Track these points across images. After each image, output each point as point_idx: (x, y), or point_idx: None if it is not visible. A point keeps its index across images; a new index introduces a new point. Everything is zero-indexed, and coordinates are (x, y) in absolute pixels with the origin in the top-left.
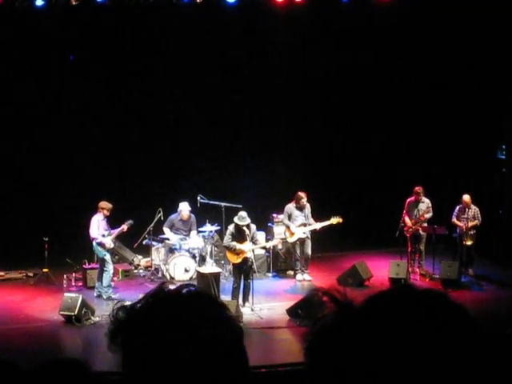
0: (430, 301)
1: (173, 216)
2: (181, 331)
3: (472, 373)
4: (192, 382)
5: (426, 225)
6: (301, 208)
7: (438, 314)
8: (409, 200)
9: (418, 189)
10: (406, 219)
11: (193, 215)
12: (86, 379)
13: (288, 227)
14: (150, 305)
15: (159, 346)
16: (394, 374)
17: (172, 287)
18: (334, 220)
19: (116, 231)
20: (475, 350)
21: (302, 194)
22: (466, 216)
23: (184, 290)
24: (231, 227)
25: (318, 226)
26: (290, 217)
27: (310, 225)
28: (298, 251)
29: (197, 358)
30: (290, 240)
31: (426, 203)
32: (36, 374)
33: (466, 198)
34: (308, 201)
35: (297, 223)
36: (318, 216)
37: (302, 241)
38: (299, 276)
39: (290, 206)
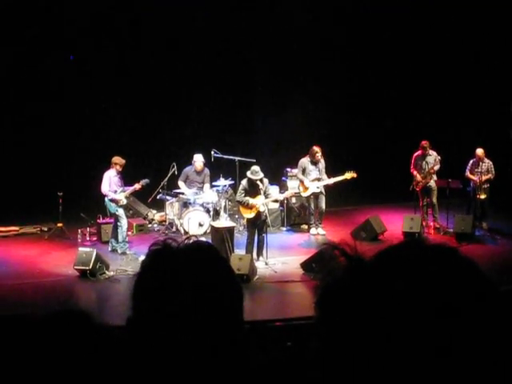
0: (440, 255)
1: (187, 168)
2: (181, 285)
3: (482, 327)
4: (189, 332)
5: (435, 178)
6: (315, 162)
7: (447, 268)
8: (415, 154)
9: (425, 143)
10: (415, 173)
11: (207, 168)
12: (90, 330)
13: (302, 182)
14: (154, 259)
15: (160, 299)
16: (401, 329)
17: (178, 240)
18: (349, 175)
19: (130, 189)
20: (486, 305)
21: (316, 148)
22: (479, 170)
23: (186, 245)
24: (244, 182)
25: (332, 181)
26: (303, 171)
27: (323, 180)
28: (312, 205)
29: (194, 310)
30: (304, 195)
31: (433, 156)
32: (39, 325)
33: (480, 151)
34: (323, 156)
35: (310, 178)
36: (332, 170)
37: (316, 195)
38: (313, 230)
39: (304, 161)
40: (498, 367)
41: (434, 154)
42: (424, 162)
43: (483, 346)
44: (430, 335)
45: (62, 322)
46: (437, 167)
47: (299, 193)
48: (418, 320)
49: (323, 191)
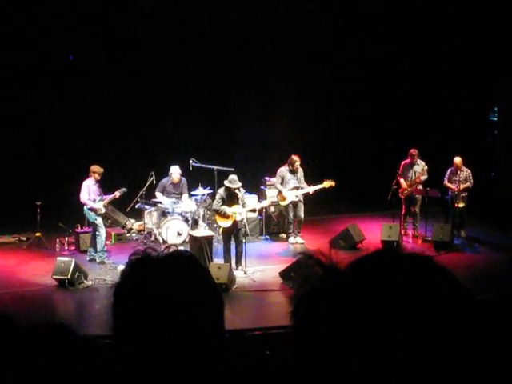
0: (414, 264)
1: (164, 180)
2: (161, 294)
3: (458, 336)
4: (170, 341)
5: (420, 187)
6: (294, 171)
7: (421, 277)
8: (404, 162)
9: (413, 151)
10: (402, 181)
11: (184, 178)
12: (72, 343)
13: (280, 192)
14: (134, 269)
15: (141, 309)
16: (375, 338)
17: (158, 250)
18: (327, 183)
19: (109, 197)
20: (461, 313)
21: (295, 157)
22: (457, 178)
23: (167, 255)
24: (221, 191)
25: (311, 189)
26: (282, 180)
27: (302, 188)
28: (291, 214)
29: (175, 320)
30: (283, 204)
31: (421, 165)
32: (20, 337)
33: (457, 160)
34: (301, 165)
35: (289, 187)
36: (311, 179)
37: (294, 204)
38: (292, 239)
39: (283, 170)
40: (474, 375)
41: (422, 163)
42: (411, 172)
43: (459, 354)
44: (403, 343)
45: (42, 335)
46: (423, 177)
47: (277, 202)
48: (392, 328)
49: (302, 199)
